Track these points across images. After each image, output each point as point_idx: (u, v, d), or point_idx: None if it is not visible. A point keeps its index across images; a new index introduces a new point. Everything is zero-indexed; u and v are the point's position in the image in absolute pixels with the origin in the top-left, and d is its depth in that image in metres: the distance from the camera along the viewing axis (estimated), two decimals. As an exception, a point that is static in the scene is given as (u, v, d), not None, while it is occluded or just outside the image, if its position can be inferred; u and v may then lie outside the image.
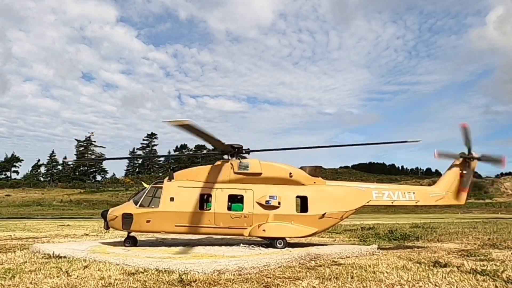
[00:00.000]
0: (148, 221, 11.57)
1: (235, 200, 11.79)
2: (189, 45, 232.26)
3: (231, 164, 11.95)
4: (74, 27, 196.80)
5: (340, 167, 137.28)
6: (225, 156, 12.47)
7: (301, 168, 12.36)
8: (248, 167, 11.83)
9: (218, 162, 12.28)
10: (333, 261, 9.25)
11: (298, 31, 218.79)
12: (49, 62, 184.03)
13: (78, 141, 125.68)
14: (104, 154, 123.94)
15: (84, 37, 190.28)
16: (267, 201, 11.53)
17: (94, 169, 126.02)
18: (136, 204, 11.88)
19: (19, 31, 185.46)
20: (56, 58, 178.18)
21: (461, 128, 12.04)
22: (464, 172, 12.52)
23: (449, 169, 12.91)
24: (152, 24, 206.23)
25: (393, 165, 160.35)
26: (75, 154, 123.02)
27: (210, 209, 11.59)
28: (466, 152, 12.51)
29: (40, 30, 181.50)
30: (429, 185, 14.20)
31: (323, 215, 11.68)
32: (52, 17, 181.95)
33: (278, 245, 11.24)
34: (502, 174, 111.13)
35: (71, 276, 7.01)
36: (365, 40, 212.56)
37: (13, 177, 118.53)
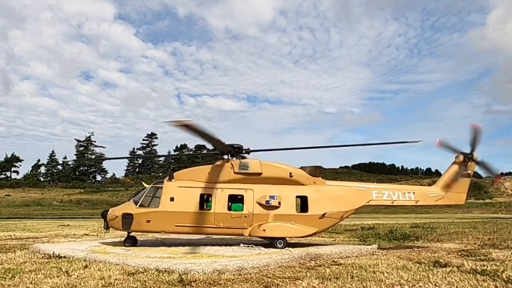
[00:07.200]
0: (148, 221, 11.58)
1: (235, 200, 11.79)
2: (188, 43, 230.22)
3: (231, 164, 11.95)
4: (72, 24, 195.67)
5: (340, 167, 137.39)
6: (225, 156, 12.47)
7: (301, 168, 12.37)
8: (248, 167, 11.83)
9: (218, 162, 12.28)
10: (333, 261, 9.25)
11: (298, 29, 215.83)
12: (47, 61, 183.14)
13: (78, 141, 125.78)
14: (104, 154, 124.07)
15: (82, 35, 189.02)
16: (267, 201, 11.53)
17: (94, 169, 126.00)
18: (136, 204, 11.88)
19: (16, 29, 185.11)
20: (54, 56, 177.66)
21: (473, 128, 12.05)
22: (459, 169, 12.53)
23: (449, 169, 12.92)
24: (151, 21, 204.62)
25: (393, 165, 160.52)
26: (75, 154, 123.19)
27: (210, 209, 11.59)
28: (468, 152, 12.52)
29: (37, 28, 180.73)
30: (429, 185, 14.19)
31: (323, 215, 11.68)
32: (49, 15, 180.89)
33: (278, 245, 11.24)
34: (502, 174, 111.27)
35: (71, 276, 7.02)
36: (366, 38, 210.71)
37: (13, 177, 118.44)
